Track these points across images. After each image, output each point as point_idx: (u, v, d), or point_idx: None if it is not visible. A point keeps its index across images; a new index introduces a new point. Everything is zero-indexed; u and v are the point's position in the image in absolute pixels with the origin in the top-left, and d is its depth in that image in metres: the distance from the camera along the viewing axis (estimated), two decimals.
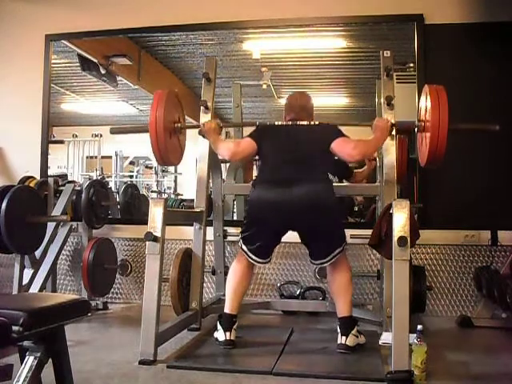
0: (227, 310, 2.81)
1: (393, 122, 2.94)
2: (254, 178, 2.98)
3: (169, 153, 2.91)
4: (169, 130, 2.89)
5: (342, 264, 2.81)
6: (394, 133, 3.14)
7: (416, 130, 2.87)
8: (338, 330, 2.70)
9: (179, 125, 3.01)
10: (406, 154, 3.57)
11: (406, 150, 3.54)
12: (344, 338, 2.67)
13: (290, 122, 2.98)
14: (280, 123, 3.02)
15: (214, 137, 2.98)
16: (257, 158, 3.09)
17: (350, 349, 2.65)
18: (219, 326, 2.79)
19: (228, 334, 2.74)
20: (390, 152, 3.11)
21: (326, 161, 2.87)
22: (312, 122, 2.95)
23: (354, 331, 2.70)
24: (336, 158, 2.89)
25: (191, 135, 3.40)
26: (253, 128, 3.03)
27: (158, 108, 2.81)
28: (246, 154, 2.97)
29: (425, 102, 2.78)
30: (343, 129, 2.90)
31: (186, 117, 3.20)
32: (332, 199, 2.79)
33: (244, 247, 2.85)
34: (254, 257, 2.83)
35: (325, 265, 2.83)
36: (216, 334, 2.81)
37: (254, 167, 3.07)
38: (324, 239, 2.77)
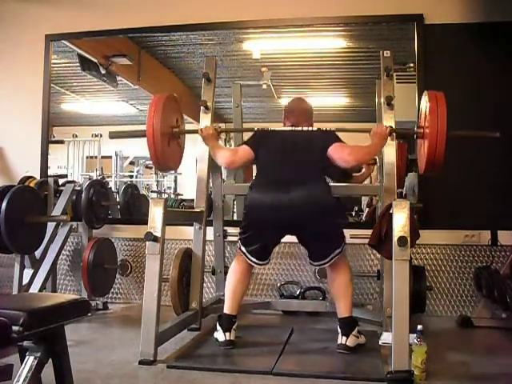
0: (227, 310, 2.81)
1: (392, 126, 2.93)
2: (252, 179, 2.96)
3: (166, 158, 2.89)
4: (166, 135, 2.86)
5: (342, 264, 2.81)
6: (393, 133, 3.14)
7: (415, 136, 2.85)
8: (339, 331, 2.70)
9: (177, 130, 2.97)
10: (405, 159, 3.56)
11: (405, 155, 3.54)
12: (345, 338, 2.67)
13: (288, 128, 2.99)
14: (278, 129, 3.03)
15: (213, 143, 2.99)
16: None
17: (351, 349, 2.65)
18: (218, 327, 2.79)
19: (228, 334, 2.74)
20: (390, 152, 3.11)
21: (323, 165, 2.87)
22: (310, 128, 2.95)
23: (354, 332, 2.71)
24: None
25: (191, 135, 3.40)
26: (251, 133, 3.03)
27: (156, 113, 2.77)
28: (242, 162, 3.00)
29: (424, 108, 2.76)
30: (341, 134, 2.90)
31: (186, 117, 3.20)
32: (330, 200, 2.79)
33: (243, 248, 2.83)
34: (252, 258, 2.82)
35: (325, 265, 2.81)
36: (216, 335, 2.81)
37: (254, 167, 3.08)
38: (323, 240, 2.76)
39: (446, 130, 2.55)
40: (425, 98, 2.75)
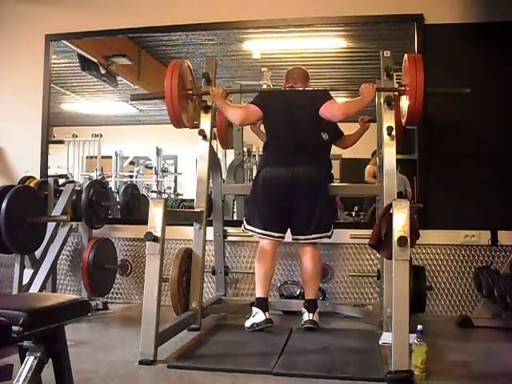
0: (260, 294, 3.13)
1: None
2: (263, 145, 3.38)
3: (182, 115, 3.25)
4: (182, 95, 3.24)
5: (319, 254, 3.30)
6: (393, 133, 3.14)
7: (398, 93, 3.17)
8: (304, 310, 3.17)
9: (191, 91, 3.35)
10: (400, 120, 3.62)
11: (399, 116, 3.61)
12: (311, 315, 3.13)
13: (288, 89, 3.40)
14: (278, 89, 3.43)
15: (222, 101, 3.29)
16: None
17: (316, 323, 3.12)
18: (256, 309, 3.07)
19: (267, 313, 3.06)
20: (391, 152, 3.11)
21: (318, 124, 3.28)
22: (306, 88, 3.37)
23: (317, 310, 3.18)
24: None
25: (192, 136, 3.41)
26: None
27: (173, 76, 3.17)
28: (254, 119, 3.38)
29: (405, 69, 3.10)
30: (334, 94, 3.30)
31: None
32: (323, 178, 3.26)
33: (258, 230, 3.18)
34: (267, 232, 3.16)
35: (308, 241, 3.19)
36: (248, 322, 3.08)
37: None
38: (317, 213, 3.15)
39: (423, 85, 2.92)
40: (405, 61, 3.11)
